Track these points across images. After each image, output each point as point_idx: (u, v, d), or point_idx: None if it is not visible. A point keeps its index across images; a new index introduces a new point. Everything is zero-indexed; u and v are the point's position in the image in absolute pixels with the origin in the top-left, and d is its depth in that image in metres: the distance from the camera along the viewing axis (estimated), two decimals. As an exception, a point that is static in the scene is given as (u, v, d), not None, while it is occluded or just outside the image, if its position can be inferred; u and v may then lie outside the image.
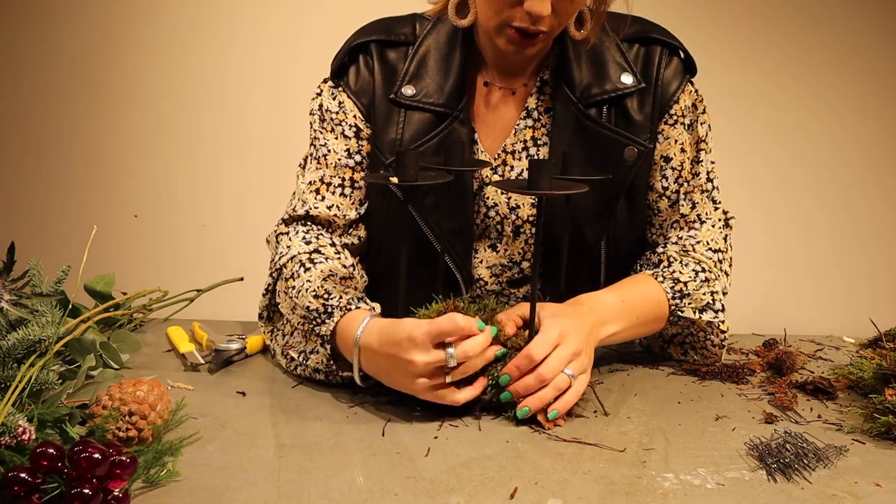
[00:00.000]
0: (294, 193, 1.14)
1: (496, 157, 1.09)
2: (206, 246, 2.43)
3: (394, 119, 1.07)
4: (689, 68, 1.10)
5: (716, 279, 1.07)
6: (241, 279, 1.25)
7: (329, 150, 1.10)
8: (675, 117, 1.08)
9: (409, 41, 1.10)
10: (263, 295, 1.06)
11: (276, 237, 1.09)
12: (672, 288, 1.04)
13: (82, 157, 2.42)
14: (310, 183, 1.10)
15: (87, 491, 0.61)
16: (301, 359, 0.98)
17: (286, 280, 1.00)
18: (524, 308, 0.94)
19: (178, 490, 0.69)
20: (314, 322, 0.94)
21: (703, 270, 1.06)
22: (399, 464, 0.76)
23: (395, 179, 0.91)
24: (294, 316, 0.98)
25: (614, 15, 1.08)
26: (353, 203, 1.10)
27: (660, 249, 1.10)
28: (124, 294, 1.14)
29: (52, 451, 0.63)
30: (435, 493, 0.70)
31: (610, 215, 1.06)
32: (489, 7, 0.98)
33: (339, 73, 1.11)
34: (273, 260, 1.06)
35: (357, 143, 1.10)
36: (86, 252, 1.03)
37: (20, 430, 0.67)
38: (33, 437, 0.68)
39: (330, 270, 1.00)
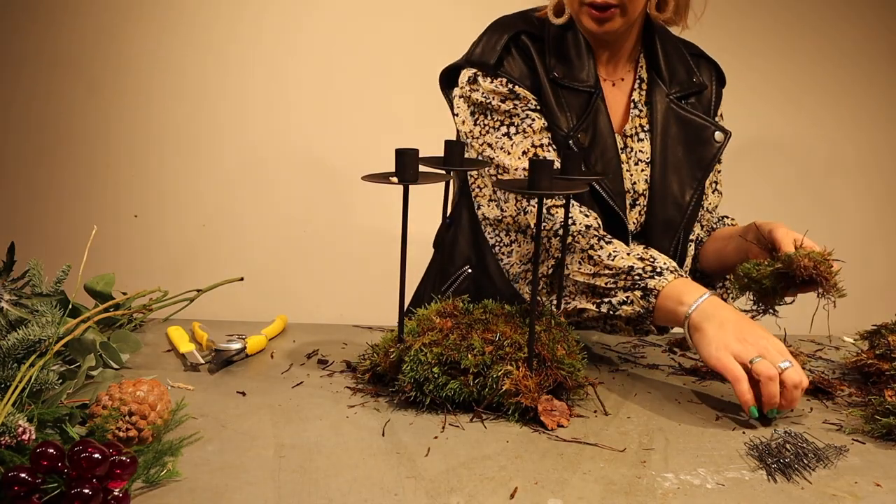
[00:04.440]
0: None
1: (622, 138, 1.25)
2: (206, 246, 2.43)
3: (558, 99, 1.20)
4: (724, 81, 1.34)
5: None
6: (241, 279, 1.25)
7: (533, 119, 1.19)
8: (719, 119, 1.33)
9: (542, 34, 1.23)
10: (528, 264, 1.20)
11: (545, 216, 1.16)
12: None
13: (82, 157, 2.43)
14: (523, 153, 1.19)
15: (87, 491, 0.61)
16: (606, 308, 1.08)
17: (583, 251, 1.11)
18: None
19: (178, 490, 0.69)
20: (638, 277, 1.05)
21: None
22: (399, 464, 0.76)
23: (394, 179, 0.91)
24: (598, 279, 1.09)
25: (676, 36, 1.32)
26: None
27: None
28: (124, 294, 1.14)
29: (52, 451, 0.63)
30: (435, 493, 0.70)
31: (700, 182, 1.25)
32: None
33: (496, 65, 1.20)
34: (549, 228, 1.16)
35: (543, 120, 1.21)
36: (86, 252, 1.03)
37: (20, 430, 0.67)
38: (33, 437, 0.68)
39: (626, 247, 1.13)
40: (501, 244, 1.23)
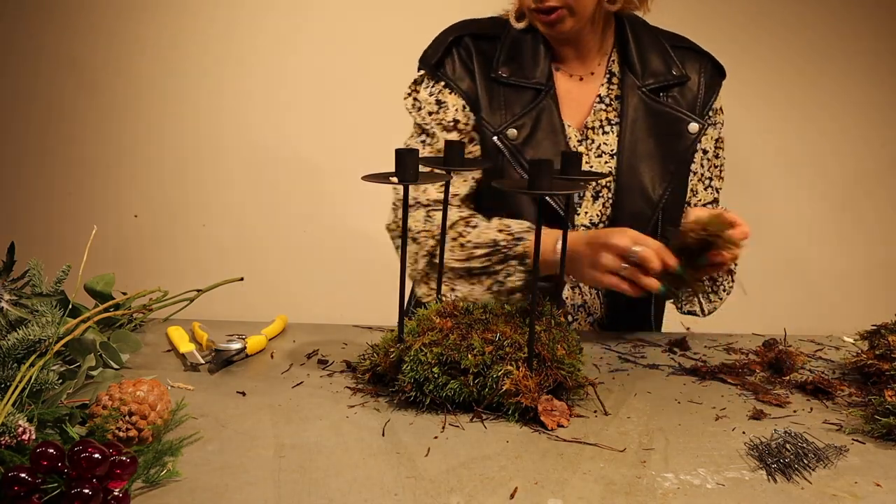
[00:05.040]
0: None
1: (581, 132, 1.27)
2: (206, 246, 2.43)
3: (495, 98, 1.25)
4: (721, 73, 1.33)
5: None
6: (241, 279, 1.25)
7: (437, 139, 1.28)
8: (713, 117, 1.32)
9: (498, 34, 1.28)
10: (414, 263, 1.24)
11: (425, 218, 1.24)
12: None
13: (82, 157, 2.43)
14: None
15: (87, 491, 0.61)
16: (496, 287, 1.16)
17: (454, 240, 1.18)
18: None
19: (178, 490, 0.69)
20: (506, 249, 1.14)
21: None
22: (399, 464, 0.76)
23: (394, 179, 0.91)
24: (473, 262, 1.16)
25: (658, 29, 1.33)
26: (464, 181, 1.28)
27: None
28: (124, 294, 1.14)
29: (52, 451, 0.63)
30: (435, 493, 0.70)
31: (675, 175, 1.26)
32: (517, 1, 1.22)
33: (437, 65, 1.28)
34: (418, 231, 1.23)
35: (459, 134, 1.27)
36: (86, 252, 1.03)
37: (20, 430, 0.67)
38: (33, 437, 0.68)
39: (487, 223, 1.20)
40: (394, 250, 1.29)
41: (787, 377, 1.03)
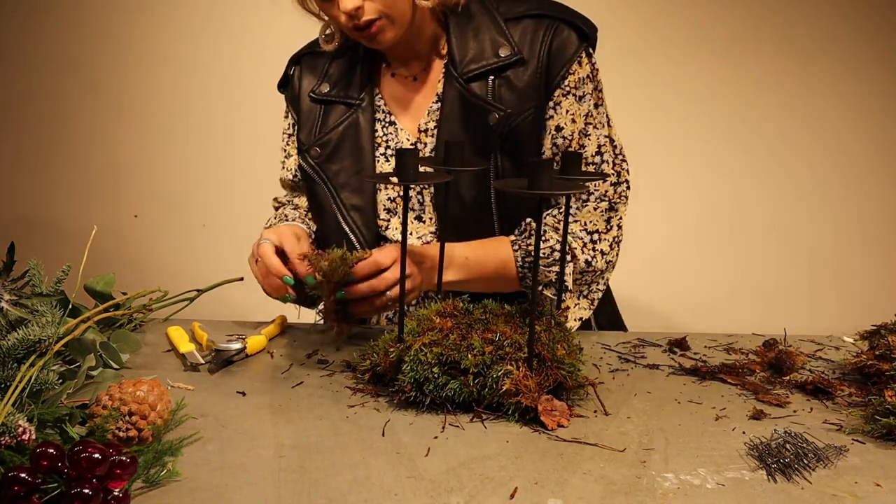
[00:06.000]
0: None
1: (417, 134, 1.22)
2: (206, 246, 2.43)
3: (311, 117, 1.26)
4: (584, 39, 1.16)
5: (571, 260, 1.16)
6: (241, 279, 1.25)
7: (284, 152, 1.36)
8: (567, 88, 1.16)
9: (333, 49, 1.26)
10: None
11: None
12: (523, 258, 1.16)
13: (82, 157, 2.43)
14: (280, 179, 1.40)
15: (87, 491, 0.61)
16: None
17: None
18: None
19: (178, 490, 0.70)
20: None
21: (559, 251, 1.14)
22: (399, 464, 0.76)
23: (394, 179, 0.91)
24: None
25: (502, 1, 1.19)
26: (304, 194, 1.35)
27: (529, 219, 1.18)
28: (124, 294, 1.14)
29: (52, 451, 0.63)
30: (435, 493, 0.70)
31: (485, 177, 1.16)
32: (333, 23, 1.18)
33: (281, 87, 1.34)
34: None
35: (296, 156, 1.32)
36: (86, 252, 1.03)
37: (20, 430, 0.67)
38: (33, 437, 0.68)
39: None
40: None
41: (787, 377, 1.03)
